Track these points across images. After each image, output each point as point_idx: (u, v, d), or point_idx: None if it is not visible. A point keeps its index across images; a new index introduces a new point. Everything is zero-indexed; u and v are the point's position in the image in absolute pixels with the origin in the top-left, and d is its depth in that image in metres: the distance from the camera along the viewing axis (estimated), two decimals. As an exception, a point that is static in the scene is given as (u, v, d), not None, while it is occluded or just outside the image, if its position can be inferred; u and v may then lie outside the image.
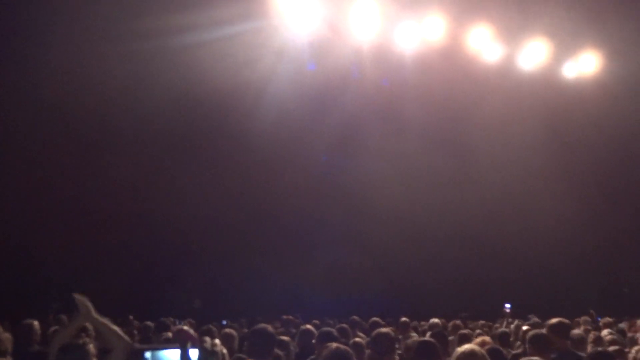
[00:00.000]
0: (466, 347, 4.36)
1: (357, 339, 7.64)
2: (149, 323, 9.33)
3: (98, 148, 15.93)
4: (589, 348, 7.18)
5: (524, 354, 6.13)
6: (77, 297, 4.80)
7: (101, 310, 4.97)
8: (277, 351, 5.60)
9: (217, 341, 1.45)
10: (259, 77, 16.18)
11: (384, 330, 5.70)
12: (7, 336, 6.01)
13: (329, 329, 7.77)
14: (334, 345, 4.71)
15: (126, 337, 4.72)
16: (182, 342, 1.66)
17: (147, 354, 1.66)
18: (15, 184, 14.67)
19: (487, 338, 6.48)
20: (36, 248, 15.03)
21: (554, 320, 6.36)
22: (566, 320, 6.50)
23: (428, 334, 7.64)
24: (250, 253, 17.51)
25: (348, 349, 4.48)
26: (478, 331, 9.65)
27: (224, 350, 1.37)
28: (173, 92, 15.31)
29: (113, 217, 16.23)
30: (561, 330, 6.25)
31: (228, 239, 17.68)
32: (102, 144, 15.99)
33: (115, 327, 4.68)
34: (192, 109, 16.20)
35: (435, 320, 9.82)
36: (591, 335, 8.05)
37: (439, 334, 6.59)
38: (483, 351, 4.42)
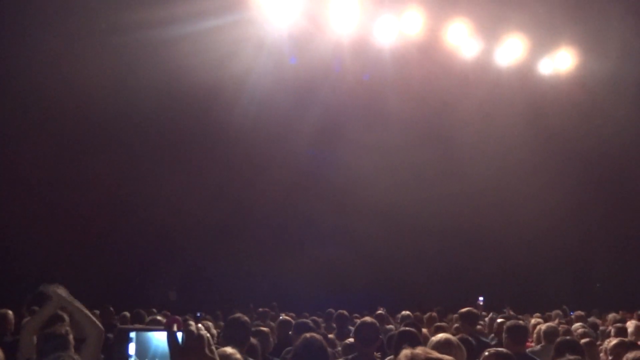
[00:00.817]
0: (441, 335, 4.43)
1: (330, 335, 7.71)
2: (126, 313, 9.30)
3: (77, 142, 15.78)
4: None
5: (500, 345, 6.23)
6: (52, 286, 4.78)
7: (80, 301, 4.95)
8: (253, 341, 5.62)
9: (201, 325, 1.48)
10: (240, 70, 16.12)
11: (368, 319, 5.74)
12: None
13: (306, 320, 7.85)
14: (308, 334, 4.76)
15: (99, 324, 4.72)
16: (169, 325, 1.66)
17: (132, 334, 1.66)
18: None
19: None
20: (11, 239, 14.87)
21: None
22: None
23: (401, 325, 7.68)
24: (233, 247, 17.45)
25: (321, 337, 4.52)
26: (456, 325, 9.74)
27: (208, 335, 1.38)
28: (153, 86, 15.18)
29: (91, 210, 16.11)
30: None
31: (209, 232, 17.63)
32: (81, 138, 15.82)
33: (89, 313, 4.67)
34: (173, 102, 16.09)
35: (405, 312, 9.91)
36: (561, 328, 8.16)
37: (412, 324, 6.63)
38: (457, 340, 4.49)
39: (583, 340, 6.51)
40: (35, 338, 4.82)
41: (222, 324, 9.60)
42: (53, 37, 14.13)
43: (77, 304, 4.69)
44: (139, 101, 15.31)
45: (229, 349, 3.88)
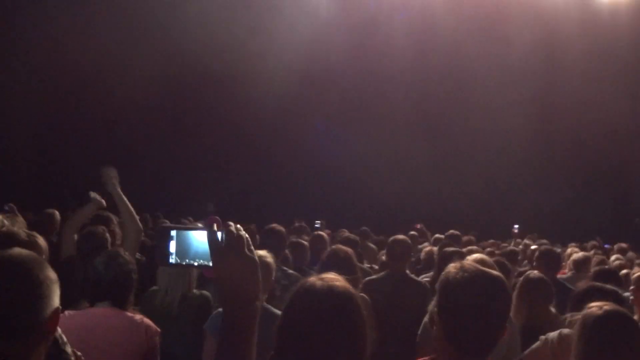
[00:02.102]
0: (476, 255, 4.46)
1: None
2: (165, 221, 9.51)
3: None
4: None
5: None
6: (105, 169, 4.91)
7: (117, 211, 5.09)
8: (286, 252, 5.75)
9: (239, 226, 1.51)
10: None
11: (399, 237, 5.80)
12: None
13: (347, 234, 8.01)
14: (334, 247, 4.88)
15: (139, 222, 4.87)
16: (209, 225, 1.68)
17: (173, 232, 1.69)
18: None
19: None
20: (53, 145, 15.26)
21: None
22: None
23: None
24: (261, 160, 17.65)
25: (347, 249, 4.60)
26: (488, 249, 9.76)
27: (247, 235, 1.43)
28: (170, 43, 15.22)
29: (131, 119, 16.33)
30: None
31: (241, 145, 17.84)
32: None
33: (131, 208, 4.81)
34: (195, 62, 16.08)
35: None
36: (595, 258, 8.10)
37: (448, 244, 6.63)
38: (492, 261, 4.53)
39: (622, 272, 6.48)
40: (76, 236, 5.00)
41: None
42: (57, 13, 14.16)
43: (121, 193, 4.83)
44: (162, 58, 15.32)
45: (261, 252, 3.98)
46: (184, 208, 13.14)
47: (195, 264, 1.74)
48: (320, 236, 7.35)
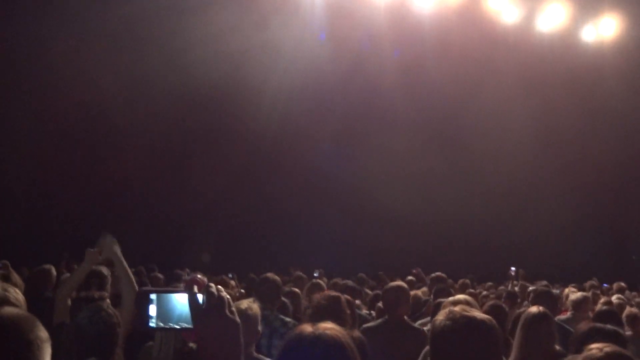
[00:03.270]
0: (459, 296, 4.48)
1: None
2: (158, 274, 9.45)
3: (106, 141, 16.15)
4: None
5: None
6: (104, 234, 4.87)
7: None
8: (284, 299, 5.71)
9: (221, 287, 1.50)
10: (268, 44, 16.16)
11: (394, 283, 5.76)
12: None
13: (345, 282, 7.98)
14: (327, 291, 4.84)
15: (135, 285, 4.80)
16: (190, 287, 1.69)
17: (153, 296, 1.69)
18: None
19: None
20: (50, 197, 15.22)
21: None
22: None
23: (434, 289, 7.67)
24: (259, 207, 17.64)
25: (339, 294, 4.56)
26: (485, 292, 9.73)
27: (229, 297, 1.41)
28: (177, 59, 15.45)
29: (127, 170, 16.35)
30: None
31: (238, 193, 17.81)
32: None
33: (129, 271, 4.76)
34: (198, 87, 16.23)
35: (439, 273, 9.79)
36: (603, 300, 8.11)
37: (444, 290, 6.63)
38: (475, 302, 4.56)
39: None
40: (69, 301, 4.92)
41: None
42: (65, 31, 14.37)
43: (121, 258, 4.78)
44: (161, 78, 15.48)
45: (246, 302, 3.93)
46: (179, 259, 13.05)
47: (177, 326, 1.74)
48: (318, 284, 7.32)
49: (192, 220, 17.06)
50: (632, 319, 6.25)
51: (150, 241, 15.07)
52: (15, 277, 6.54)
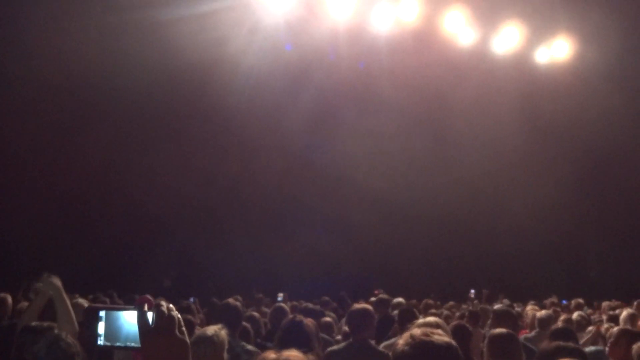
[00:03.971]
0: (429, 318, 4.47)
1: (326, 319, 7.73)
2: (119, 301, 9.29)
3: (68, 123, 15.67)
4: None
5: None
6: (48, 277, 4.77)
7: (71, 288, 4.93)
8: (246, 325, 5.63)
9: (171, 306, 1.47)
10: (235, 54, 16.06)
11: (359, 306, 5.73)
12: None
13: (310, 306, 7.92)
14: (291, 316, 4.80)
15: (76, 323, 4.71)
16: (140, 305, 1.64)
17: (102, 313, 1.64)
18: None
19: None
20: (5, 224, 14.81)
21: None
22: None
23: (395, 312, 7.71)
24: (226, 234, 17.44)
25: (303, 319, 4.53)
26: (446, 312, 9.77)
27: (179, 315, 1.38)
28: (146, 67, 15.11)
29: (85, 194, 16.04)
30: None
31: (202, 219, 17.61)
32: (72, 118, 15.72)
33: (71, 309, 4.66)
34: (166, 84, 16.00)
35: (399, 299, 9.86)
36: (562, 317, 8.22)
37: (408, 310, 6.64)
38: (444, 323, 4.56)
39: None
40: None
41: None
42: (47, 15, 13.99)
43: (63, 296, 4.67)
44: (132, 82, 15.21)
45: (212, 327, 3.87)
46: (139, 285, 12.82)
47: (124, 345, 1.69)
48: (281, 308, 7.26)
49: (150, 243, 16.81)
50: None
51: (109, 266, 14.81)
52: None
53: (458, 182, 19.07)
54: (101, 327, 1.67)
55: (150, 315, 1.64)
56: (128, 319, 1.67)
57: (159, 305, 1.66)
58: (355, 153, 18.16)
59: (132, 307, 1.69)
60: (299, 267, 17.15)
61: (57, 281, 4.75)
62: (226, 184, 17.78)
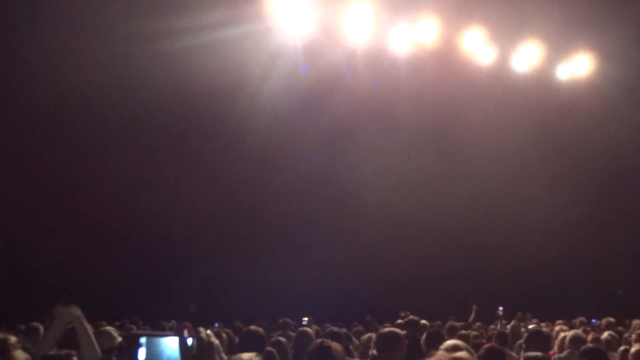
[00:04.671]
0: (449, 342, 4.45)
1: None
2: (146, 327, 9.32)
3: (95, 151, 15.88)
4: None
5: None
6: (63, 307, 4.83)
7: (97, 315, 4.96)
8: (272, 350, 5.61)
9: (210, 332, 1.47)
10: (252, 79, 16.20)
11: (388, 329, 5.70)
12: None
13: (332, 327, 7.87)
14: (319, 340, 4.76)
15: (98, 350, 4.75)
16: (180, 331, 1.66)
17: (142, 339, 1.66)
18: (3, 185, 14.55)
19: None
20: (29, 252, 14.93)
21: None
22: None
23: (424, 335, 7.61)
24: (247, 255, 17.43)
25: (330, 344, 4.50)
26: (474, 333, 9.64)
27: (217, 342, 1.38)
28: (167, 92, 15.33)
29: (108, 220, 16.13)
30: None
31: (224, 241, 17.61)
32: (99, 146, 15.93)
33: (93, 337, 4.70)
34: (187, 109, 16.17)
35: (423, 321, 9.75)
36: (590, 336, 8.09)
37: (436, 333, 6.59)
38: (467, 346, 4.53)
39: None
40: None
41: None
42: (67, 41, 14.19)
43: (84, 323, 4.71)
44: (153, 109, 15.42)
45: (245, 355, 3.87)
46: (165, 310, 12.87)
47: None
48: (305, 332, 7.20)
49: (175, 269, 16.87)
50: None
51: (134, 292, 14.87)
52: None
53: (476, 201, 18.96)
54: (142, 353, 1.69)
55: (190, 341, 1.66)
56: (169, 345, 1.69)
57: (199, 332, 1.68)
58: (371, 172, 18.14)
59: (172, 333, 1.71)
60: (311, 284, 17.03)
61: (75, 310, 4.81)
62: (246, 206, 17.80)
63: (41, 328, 7.31)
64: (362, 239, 18.32)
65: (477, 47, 17.08)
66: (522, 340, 8.44)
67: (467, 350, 4.24)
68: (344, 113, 17.85)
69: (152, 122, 15.93)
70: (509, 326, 10.88)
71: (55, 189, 15.59)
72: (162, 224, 16.71)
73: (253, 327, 5.53)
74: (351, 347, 7.57)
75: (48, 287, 13.37)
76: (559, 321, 11.53)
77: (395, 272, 18.62)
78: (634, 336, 9.04)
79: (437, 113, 18.15)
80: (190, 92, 15.57)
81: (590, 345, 6.24)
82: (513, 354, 7.55)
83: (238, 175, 17.60)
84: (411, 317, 8.90)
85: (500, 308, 12.43)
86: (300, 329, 7.97)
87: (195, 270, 17.08)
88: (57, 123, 14.99)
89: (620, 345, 7.85)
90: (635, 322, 11.01)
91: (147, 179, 16.47)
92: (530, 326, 8.98)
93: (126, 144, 16.22)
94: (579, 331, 8.30)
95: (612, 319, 10.65)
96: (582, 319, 11.86)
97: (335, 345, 4.58)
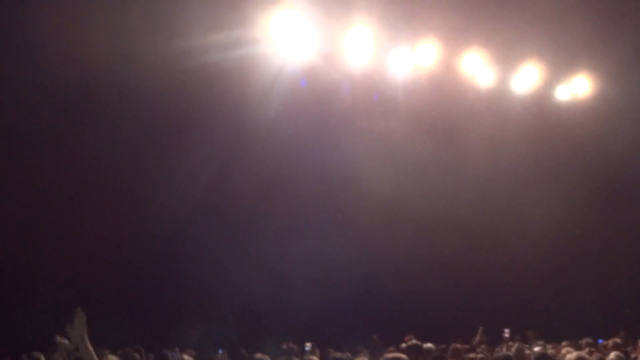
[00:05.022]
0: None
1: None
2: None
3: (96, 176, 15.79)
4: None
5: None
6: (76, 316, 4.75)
7: (98, 342, 4.89)
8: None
9: None
10: (254, 97, 16.20)
11: (390, 354, 5.67)
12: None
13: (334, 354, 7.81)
14: None
15: None
16: None
17: None
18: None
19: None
20: (28, 274, 14.80)
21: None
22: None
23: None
24: (247, 273, 17.26)
25: None
26: (480, 356, 9.56)
27: None
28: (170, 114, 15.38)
29: (105, 246, 15.93)
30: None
31: (223, 265, 17.45)
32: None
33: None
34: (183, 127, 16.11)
35: (428, 345, 9.65)
36: (593, 357, 8.02)
37: (440, 358, 6.54)
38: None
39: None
40: None
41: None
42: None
43: (88, 346, 4.66)
44: (154, 118, 15.34)
45: None
46: (167, 337, 12.77)
47: None
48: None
49: (178, 295, 16.70)
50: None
51: (135, 319, 14.74)
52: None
53: (475, 221, 18.81)
54: None
55: None
56: None
57: None
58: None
59: None
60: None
61: (80, 316, 4.73)
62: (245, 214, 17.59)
63: (42, 358, 7.25)
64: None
65: (477, 69, 17.19)
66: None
67: None
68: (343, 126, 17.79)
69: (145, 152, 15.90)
70: (513, 348, 10.78)
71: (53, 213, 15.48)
72: (160, 244, 16.57)
73: (258, 355, 5.52)
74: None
75: (50, 315, 13.27)
76: (565, 342, 11.46)
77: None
78: (640, 356, 8.97)
79: (437, 134, 18.14)
80: (194, 109, 15.58)
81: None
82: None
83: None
84: (413, 342, 8.82)
85: (507, 330, 12.36)
86: (305, 356, 7.93)
87: (196, 293, 16.90)
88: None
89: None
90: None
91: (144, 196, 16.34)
92: (536, 348, 8.89)
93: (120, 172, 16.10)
94: (582, 353, 8.23)
95: (618, 340, 10.58)
96: (589, 339, 11.79)
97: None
